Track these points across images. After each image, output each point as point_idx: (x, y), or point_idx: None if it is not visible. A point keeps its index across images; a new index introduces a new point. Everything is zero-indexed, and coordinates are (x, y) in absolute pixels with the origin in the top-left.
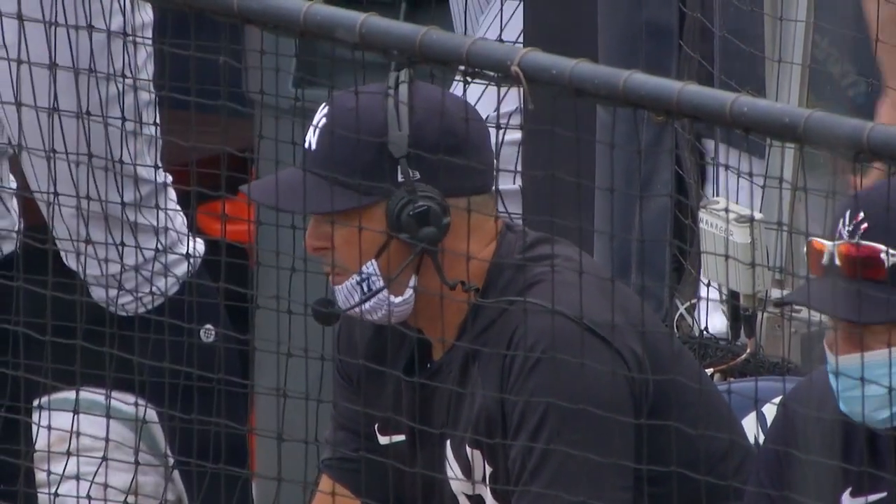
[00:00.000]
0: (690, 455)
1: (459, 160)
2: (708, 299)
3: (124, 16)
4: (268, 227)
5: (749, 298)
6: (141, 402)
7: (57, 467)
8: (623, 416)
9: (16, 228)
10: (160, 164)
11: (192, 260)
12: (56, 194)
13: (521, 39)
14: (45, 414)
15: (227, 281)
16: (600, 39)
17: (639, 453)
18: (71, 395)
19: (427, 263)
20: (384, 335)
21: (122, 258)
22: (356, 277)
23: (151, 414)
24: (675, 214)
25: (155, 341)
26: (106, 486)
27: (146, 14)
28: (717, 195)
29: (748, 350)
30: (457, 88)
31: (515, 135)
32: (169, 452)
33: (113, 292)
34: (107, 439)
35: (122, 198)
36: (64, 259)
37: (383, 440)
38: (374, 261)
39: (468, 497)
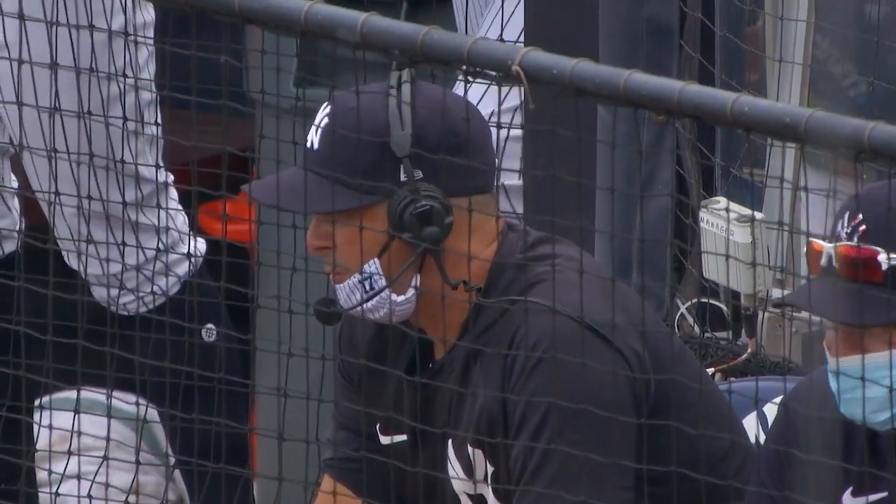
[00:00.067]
0: (691, 455)
1: (461, 160)
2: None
3: (126, 15)
4: (269, 226)
5: (750, 298)
6: (142, 401)
7: (58, 467)
8: (624, 415)
9: (17, 228)
10: (161, 164)
11: (193, 259)
12: (57, 193)
13: (522, 39)
14: (46, 413)
15: (228, 280)
16: (601, 39)
17: (639, 453)
18: (72, 394)
19: (429, 263)
20: (385, 335)
21: (123, 257)
22: (358, 276)
23: (152, 413)
24: (676, 214)
25: (156, 341)
26: (107, 485)
27: (148, 13)
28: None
29: (749, 350)
30: (459, 88)
31: (519, 130)
32: (170, 452)
33: (114, 292)
34: (108, 439)
35: (123, 197)
36: (65, 258)
37: (385, 440)
38: (376, 260)
39: (470, 497)
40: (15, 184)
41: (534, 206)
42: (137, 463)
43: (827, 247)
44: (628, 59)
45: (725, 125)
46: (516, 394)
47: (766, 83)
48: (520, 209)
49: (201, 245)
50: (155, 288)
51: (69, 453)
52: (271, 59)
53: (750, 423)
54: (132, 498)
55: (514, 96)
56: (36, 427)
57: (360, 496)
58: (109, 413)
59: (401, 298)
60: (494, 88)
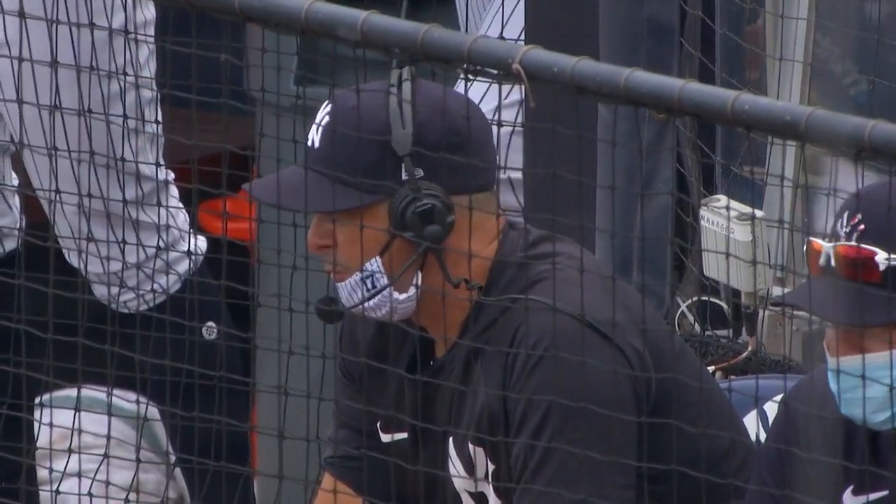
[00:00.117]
0: (692, 453)
1: (462, 158)
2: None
3: (126, 13)
4: (269, 224)
5: (750, 296)
6: (142, 399)
7: (58, 465)
8: (625, 414)
9: (18, 226)
10: (162, 162)
11: (193, 257)
12: (58, 191)
13: (522, 37)
14: (46, 411)
15: (228, 279)
16: (601, 37)
17: (640, 451)
18: (72, 392)
19: (430, 261)
20: (386, 333)
21: (123, 255)
22: (359, 274)
23: (153, 411)
24: (677, 212)
25: (156, 339)
26: (107, 483)
27: (148, 11)
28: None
29: (749, 348)
30: (459, 85)
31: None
32: (170, 450)
33: (115, 290)
34: (108, 437)
35: (123, 195)
36: (66, 256)
37: (385, 438)
38: (377, 258)
39: (471, 495)
40: (15, 182)
41: (534, 205)
42: (138, 461)
43: (826, 246)
44: (629, 57)
45: (726, 123)
46: (517, 392)
47: (766, 81)
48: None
49: (202, 243)
50: (155, 286)
51: (70, 451)
52: (272, 57)
53: (750, 422)
54: (133, 496)
55: (517, 91)
56: (36, 425)
57: (361, 494)
58: (110, 411)
59: (403, 297)
60: (497, 85)
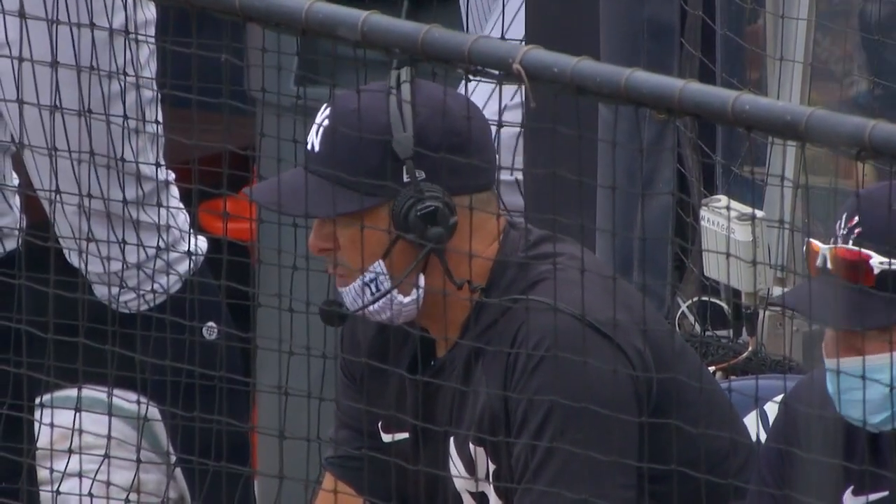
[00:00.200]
0: (692, 453)
1: (463, 159)
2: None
3: (126, 13)
4: (269, 225)
5: (751, 296)
6: (143, 399)
7: (59, 465)
8: (626, 414)
9: (18, 226)
10: (162, 162)
11: (193, 258)
12: (58, 191)
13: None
14: (47, 411)
15: (228, 279)
16: (602, 37)
17: (641, 451)
18: (73, 392)
19: (432, 263)
20: (387, 333)
21: (124, 255)
22: (362, 279)
23: (153, 412)
24: (677, 212)
25: (157, 339)
26: (108, 483)
27: (149, 11)
28: None
29: (750, 348)
30: (464, 87)
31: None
32: (171, 450)
33: (115, 290)
34: (109, 437)
35: (124, 195)
36: (66, 256)
37: (387, 438)
38: (380, 261)
39: (472, 495)
40: (16, 181)
41: (535, 205)
42: (138, 461)
43: (822, 248)
44: (629, 57)
45: (726, 123)
46: (518, 392)
47: (766, 81)
48: (519, 203)
49: (202, 243)
50: (156, 286)
51: (70, 451)
52: (272, 57)
53: (750, 422)
54: (133, 496)
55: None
56: (37, 425)
57: (362, 494)
58: (110, 411)
59: (407, 299)
60: (504, 87)
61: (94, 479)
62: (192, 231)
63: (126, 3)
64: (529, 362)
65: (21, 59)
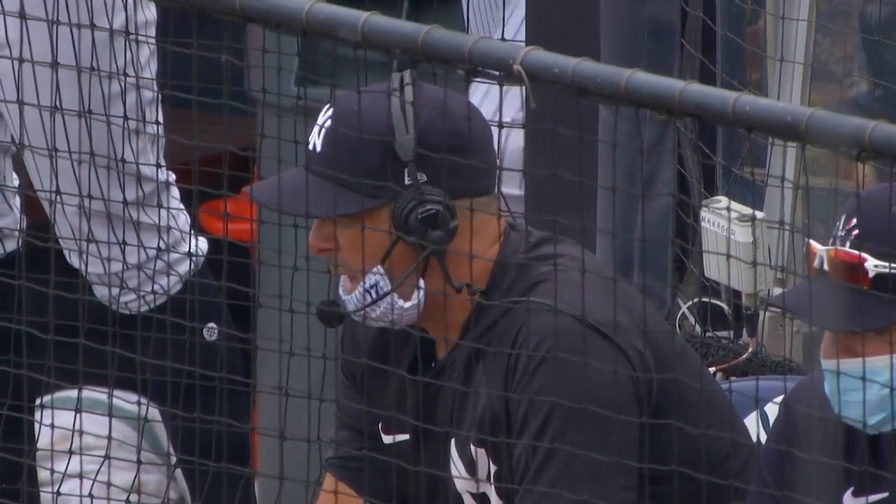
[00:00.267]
0: (693, 454)
1: (465, 162)
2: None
3: (127, 13)
4: (270, 225)
5: (751, 297)
6: (143, 400)
7: (59, 466)
8: (627, 415)
9: (18, 226)
10: (163, 163)
11: (194, 258)
12: (59, 192)
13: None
14: (47, 412)
15: (229, 280)
16: (602, 38)
17: (642, 452)
18: (73, 393)
19: (432, 265)
20: (388, 334)
21: (124, 256)
22: (363, 286)
23: (154, 412)
24: (678, 213)
25: (157, 340)
26: (108, 484)
27: (149, 12)
28: None
29: (750, 349)
30: (473, 92)
31: (520, 142)
32: (171, 451)
33: (115, 290)
34: (109, 438)
35: (124, 196)
36: (66, 257)
37: (387, 439)
38: (380, 266)
39: (473, 496)
40: (16, 182)
41: (535, 206)
42: (139, 462)
43: (820, 249)
44: (630, 58)
45: (727, 124)
46: (519, 393)
47: (767, 82)
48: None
49: (202, 244)
50: (156, 287)
51: (70, 452)
52: (272, 57)
53: (751, 423)
54: (134, 497)
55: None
56: (37, 426)
57: (363, 495)
58: (111, 412)
59: (408, 304)
60: (514, 91)
61: (94, 480)
62: (192, 232)
63: (126, 3)
64: (530, 363)
65: (21, 60)
